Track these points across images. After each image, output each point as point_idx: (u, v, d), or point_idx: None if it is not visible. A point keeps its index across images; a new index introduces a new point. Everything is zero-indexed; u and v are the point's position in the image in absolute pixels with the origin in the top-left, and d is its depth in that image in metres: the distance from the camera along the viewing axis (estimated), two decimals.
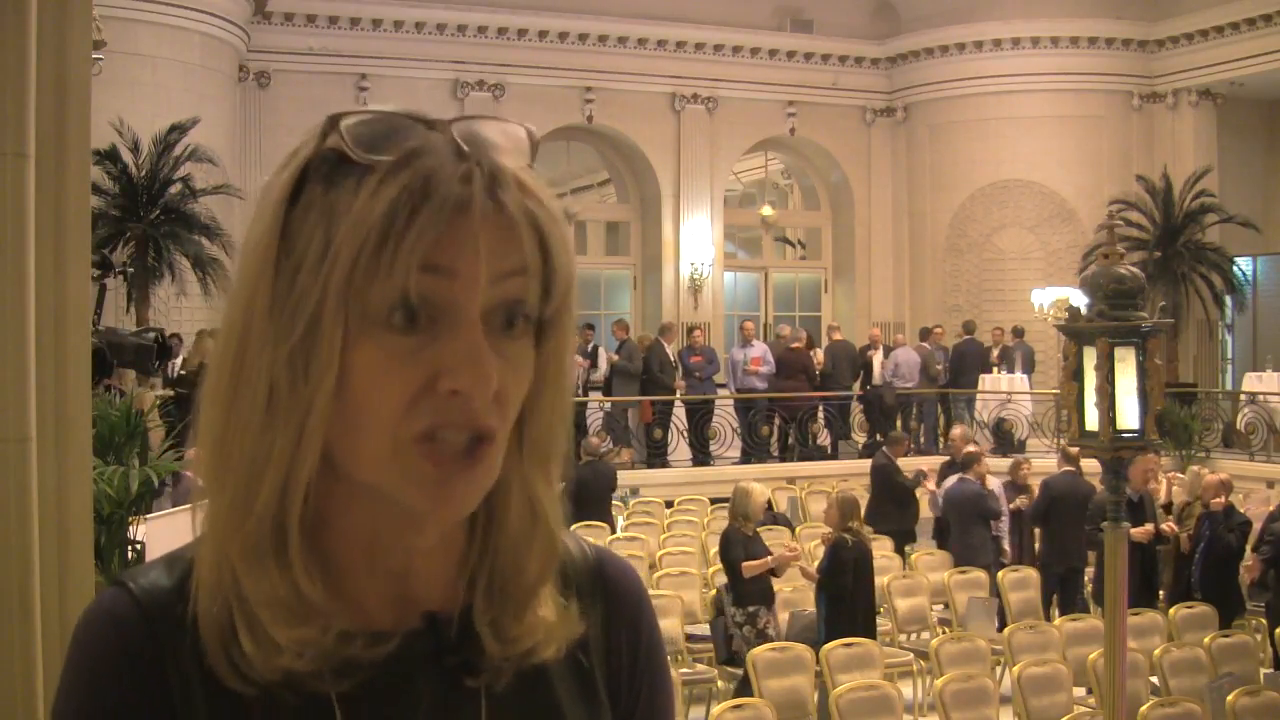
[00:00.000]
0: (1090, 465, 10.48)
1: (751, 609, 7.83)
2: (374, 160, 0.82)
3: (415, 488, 0.84)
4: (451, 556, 0.93)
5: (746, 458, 15.56)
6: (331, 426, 0.84)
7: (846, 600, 7.75)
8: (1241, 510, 10.29)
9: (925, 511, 11.84)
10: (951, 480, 10.97)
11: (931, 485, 11.37)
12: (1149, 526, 9.13)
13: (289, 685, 0.85)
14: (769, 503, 10.24)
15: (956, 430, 12.86)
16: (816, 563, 8.23)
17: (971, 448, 11.31)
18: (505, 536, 0.91)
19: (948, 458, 12.48)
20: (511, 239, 0.83)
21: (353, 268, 0.81)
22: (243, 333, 0.84)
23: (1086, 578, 9.73)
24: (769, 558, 8.01)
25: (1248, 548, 9.19)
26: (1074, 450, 10.59)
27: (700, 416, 15.46)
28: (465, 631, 0.91)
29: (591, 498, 11.11)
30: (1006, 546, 10.70)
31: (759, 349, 15.86)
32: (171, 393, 10.54)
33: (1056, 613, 9.55)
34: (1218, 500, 9.02)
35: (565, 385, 0.90)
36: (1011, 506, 10.96)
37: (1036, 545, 10.54)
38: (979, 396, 16.94)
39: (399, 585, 0.91)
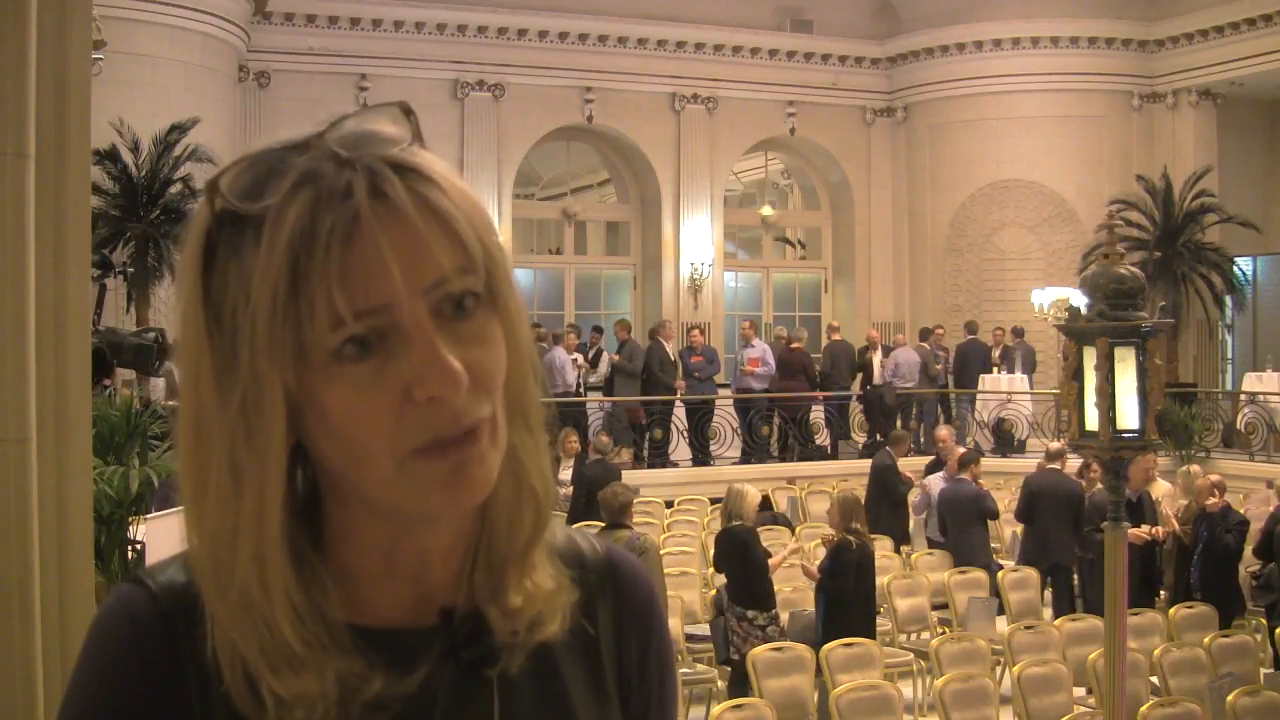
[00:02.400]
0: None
1: (774, 611, 7.84)
2: (263, 208, 0.82)
3: (430, 490, 0.84)
4: (464, 552, 0.93)
5: (746, 458, 15.56)
6: (336, 463, 0.86)
7: (845, 602, 7.74)
8: (1241, 510, 10.29)
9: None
10: (939, 480, 10.98)
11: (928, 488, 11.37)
12: (1145, 528, 9.14)
13: None
14: (769, 502, 10.25)
15: (943, 431, 12.92)
16: (818, 562, 8.21)
17: (961, 448, 11.35)
18: (497, 505, 0.92)
19: (934, 458, 12.50)
20: (418, 238, 0.82)
21: (272, 316, 0.81)
22: (196, 410, 0.85)
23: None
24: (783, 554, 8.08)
25: (1247, 548, 9.18)
26: (1055, 447, 10.66)
27: (700, 416, 15.46)
28: (478, 624, 0.92)
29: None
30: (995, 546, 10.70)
31: (758, 350, 15.85)
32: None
33: (1049, 612, 9.56)
34: (1213, 501, 9.01)
35: (523, 338, 0.90)
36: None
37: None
38: (979, 396, 16.95)
39: (416, 587, 0.92)
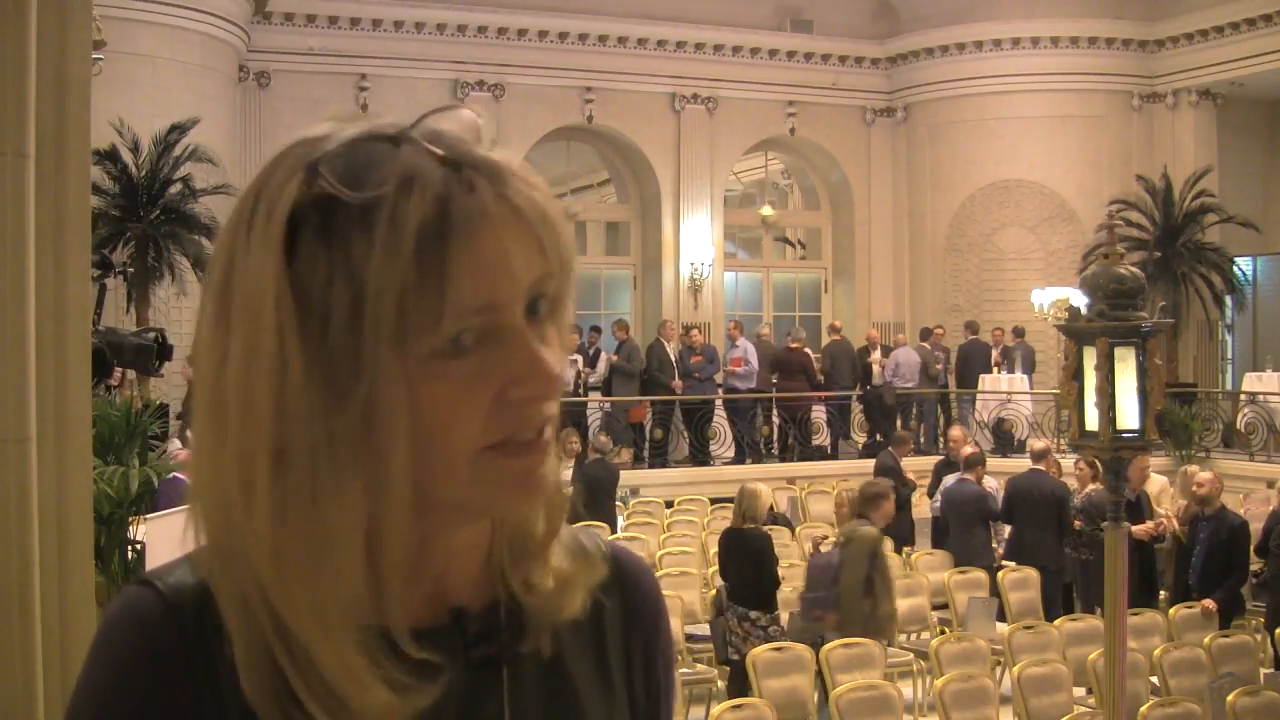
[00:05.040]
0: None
1: (776, 611, 7.86)
2: (368, 197, 0.79)
3: (501, 488, 0.85)
4: (482, 553, 0.94)
5: (739, 456, 15.57)
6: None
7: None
8: (1241, 510, 10.28)
9: (925, 513, 11.84)
10: (951, 480, 10.96)
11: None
12: (1149, 524, 9.11)
13: None
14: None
15: (956, 431, 12.86)
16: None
17: (970, 448, 11.31)
18: None
19: (943, 458, 12.49)
20: (529, 239, 0.83)
21: (399, 316, 0.79)
22: (275, 411, 0.80)
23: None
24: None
25: (1251, 549, 9.15)
26: (1039, 446, 10.61)
27: (700, 417, 15.46)
28: (489, 624, 0.92)
29: (600, 495, 11.18)
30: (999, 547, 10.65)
31: (739, 349, 15.95)
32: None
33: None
34: (1210, 508, 8.97)
35: (567, 347, 0.92)
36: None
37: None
38: (979, 396, 16.95)
39: (436, 585, 0.92)
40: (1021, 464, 13.56)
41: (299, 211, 0.81)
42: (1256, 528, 9.31)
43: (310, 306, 0.80)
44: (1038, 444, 10.98)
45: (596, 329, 16.96)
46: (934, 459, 13.58)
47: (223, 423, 0.82)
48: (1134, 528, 8.36)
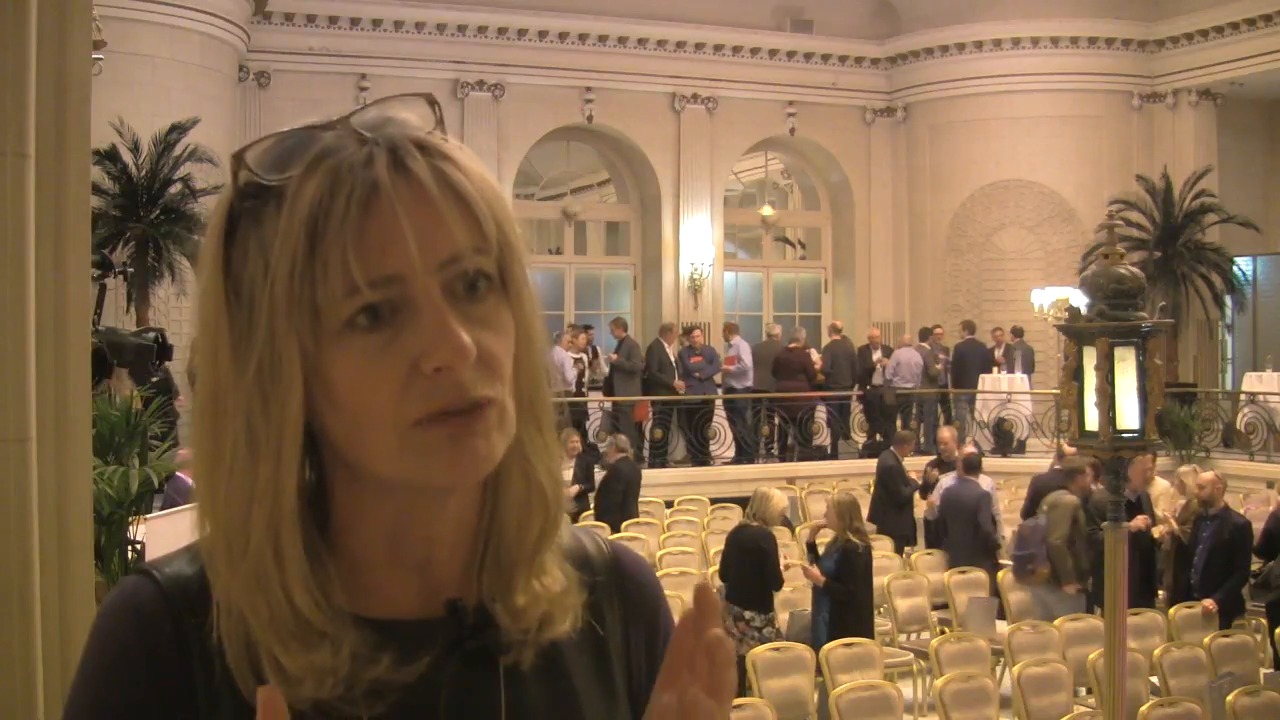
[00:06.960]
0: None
1: (771, 613, 7.86)
2: (285, 179, 0.83)
3: (432, 460, 0.84)
4: (468, 545, 0.93)
5: (739, 457, 15.58)
6: (340, 436, 0.86)
7: (854, 605, 7.74)
8: (1242, 510, 10.27)
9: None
10: (950, 480, 10.95)
11: (929, 500, 11.35)
12: (1145, 517, 9.12)
13: (320, 712, 0.85)
14: None
15: (945, 432, 12.89)
16: (818, 564, 8.18)
17: (963, 448, 11.31)
18: (507, 504, 0.92)
19: (934, 457, 12.49)
20: (435, 212, 0.83)
21: (290, 281, 0.82)
22: (214, 382, 0.85)
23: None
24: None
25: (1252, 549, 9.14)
26: (1068, 447, 10.62)
27: (700, 416, 15.46)
28: (484, 615, 0.92)
29: (631, 494, 11.48)
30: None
31: (733, 349, 15.98)
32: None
33: None
34: (1214, 508, 8.97)
35: (535, 330, 0.90)
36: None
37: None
38: (979, 396, 16.95)
39: (421, 577, 0.92)
40: (1022, 464, 13.56)
41: (235, 203, 0.85)
42: (1257, 528, 9.31)
43: (238, 284, 0.85)
44: (1070, 447, 11.05)
45: (589, 327, 16.86)
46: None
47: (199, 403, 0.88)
48: (1129, 523, 8.38)
